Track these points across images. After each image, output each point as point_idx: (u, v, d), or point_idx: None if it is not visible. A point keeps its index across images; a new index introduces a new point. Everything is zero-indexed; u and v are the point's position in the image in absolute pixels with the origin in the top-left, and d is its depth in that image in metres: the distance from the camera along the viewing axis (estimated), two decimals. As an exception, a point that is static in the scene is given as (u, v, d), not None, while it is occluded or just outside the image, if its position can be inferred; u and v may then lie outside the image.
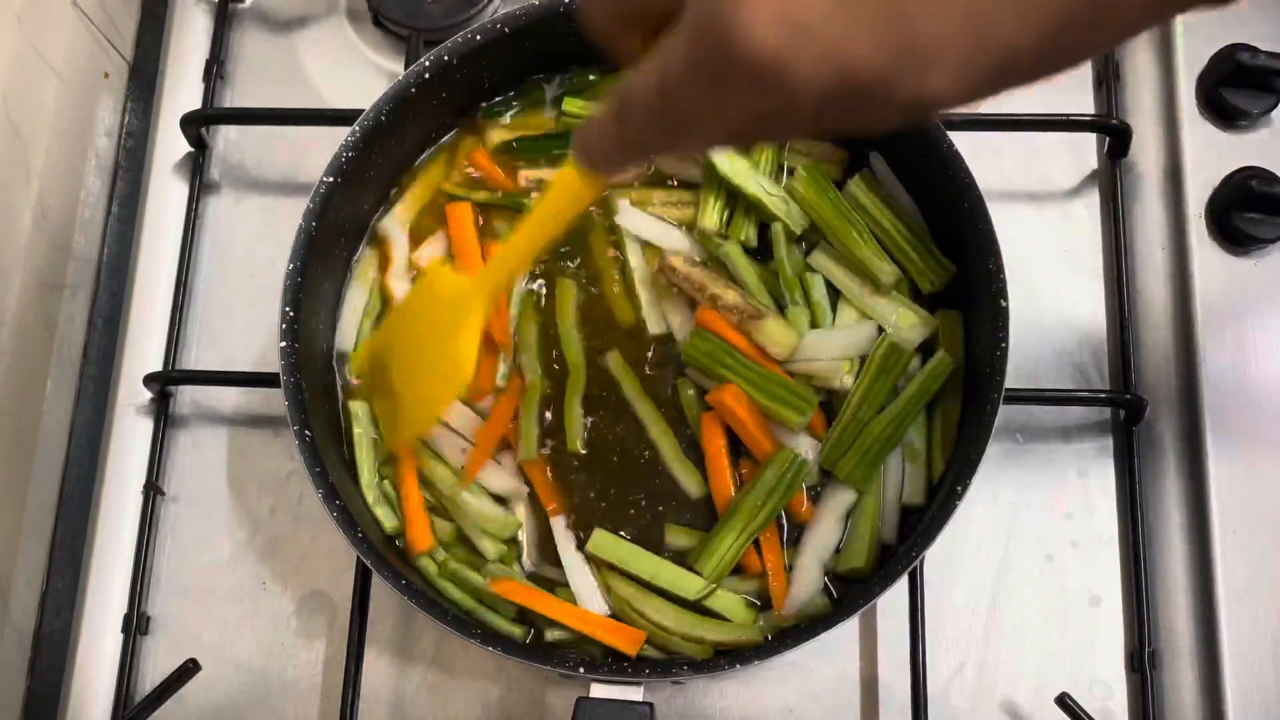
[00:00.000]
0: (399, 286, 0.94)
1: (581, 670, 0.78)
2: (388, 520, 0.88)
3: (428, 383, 0.84)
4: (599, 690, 0.78)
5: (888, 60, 0.43)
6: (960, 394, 0.89)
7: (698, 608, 0.86)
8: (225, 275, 1.03)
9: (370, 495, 0.89)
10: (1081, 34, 0.43)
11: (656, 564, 0.87)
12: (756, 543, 0.87)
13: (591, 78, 0.97)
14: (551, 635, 0.85)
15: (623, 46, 0.56)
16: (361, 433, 0.90)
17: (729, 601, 0.86)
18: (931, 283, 0.91)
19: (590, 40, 0.56)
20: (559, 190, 0.70)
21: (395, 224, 0.96)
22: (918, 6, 0.42)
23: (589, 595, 0.87)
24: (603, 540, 0.87)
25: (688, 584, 0.86)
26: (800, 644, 0.78)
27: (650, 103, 0.51)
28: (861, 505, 0.87)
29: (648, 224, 0.95)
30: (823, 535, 0.87)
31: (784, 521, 0.89)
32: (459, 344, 0.80)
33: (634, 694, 0.78)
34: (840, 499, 0.88)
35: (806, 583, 0.86)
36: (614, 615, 0.87)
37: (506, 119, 0.98)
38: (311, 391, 0.86)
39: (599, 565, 0.88)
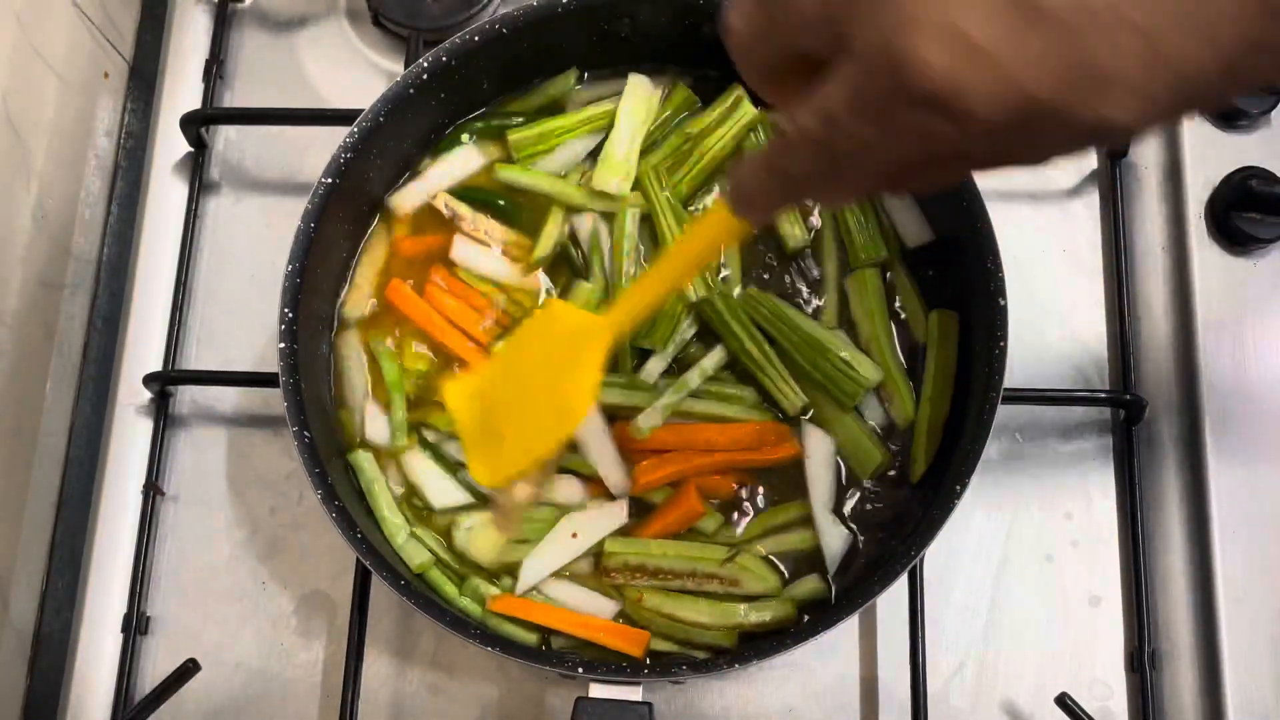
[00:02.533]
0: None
1: (580, 671, 0.78)
2: (418, 556, 0.87)
3: (537, 420, 0.80)
4: (598, 690, 0.78)
5: (1066, 85, 0.42)
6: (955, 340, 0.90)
7: (728, 596, 0.86)
8: (225, 275, 1.03)
9: (400, 537, 0.88)
10: (1269, 57, 0.42)
11: (677, 545, 0.87)
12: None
13: (505, 119, 0.98)
14: (558, 643, 0.85)
15: (776, 92, 0.55)
16: (373, 479, 0.89)
17: (753, 564, 0.86)
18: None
19: (742, 74, 0.55)
20: (705, 230, 0.67)
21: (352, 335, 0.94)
22: (1098, 31, 0.41)
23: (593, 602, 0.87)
24: (617, 543, 0.87)
25: (712, 552, 0.87)
26: (800, 644, 0.78)
27: (812, 142, 0.50)
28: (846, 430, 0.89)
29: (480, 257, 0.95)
30: (821, 486, 0.89)
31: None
32: (577, 382, 0.77)
33: (633, 694, 0.78)
34: (821, 446, 0.89)
35: (833, 535, 0.88)
36: (623, 616, 0.87)
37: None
38: (311, 391, 0.86)
39: (617, 575, 0.88)
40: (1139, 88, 0.42)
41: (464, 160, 0.97)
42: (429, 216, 0.96)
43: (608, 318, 0.76)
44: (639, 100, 0.96)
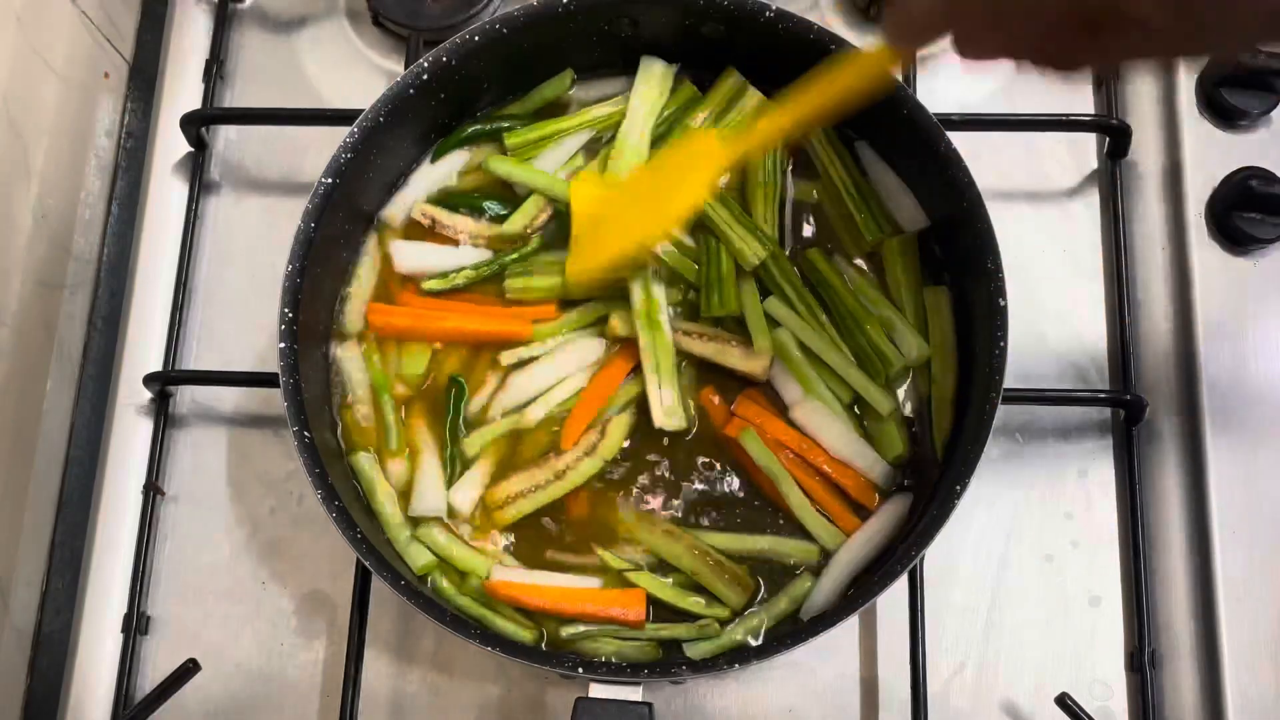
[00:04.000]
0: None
1: (580, 670, 0.78)
2: (420, 557, 0.87)
3: (637, 215, 0.84)
4: (598, 690, 0.78)
5: None
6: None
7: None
8: (225, 275, 1.03)
9: (403, 539, 0.88)
10: None
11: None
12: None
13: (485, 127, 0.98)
14: (566, 631, 0.85)
15: None
16: (373, 479, 0.89)
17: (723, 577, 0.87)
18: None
19: None
20: (858, 64, 0.67)
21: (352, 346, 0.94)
22: None
23: None
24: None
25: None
26: (800, 644, 0.78)
27: None
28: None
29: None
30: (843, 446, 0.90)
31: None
32: (684, 187, 0.81)
33: (633, 694, 0.78)
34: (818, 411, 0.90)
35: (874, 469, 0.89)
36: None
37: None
38: (311, 391, 0.86)
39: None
40: None
41: (446, 167, 0.97)
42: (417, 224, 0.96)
43: (736, 139, 0.79)
44: (652, 84, 0.96)
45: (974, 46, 0.56)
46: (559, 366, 0.92)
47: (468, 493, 0.89)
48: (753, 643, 0.85)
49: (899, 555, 0.82)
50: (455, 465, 0.90)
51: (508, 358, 0.91)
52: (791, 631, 0.83)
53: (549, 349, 0.92)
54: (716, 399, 0.91)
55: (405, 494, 0.90)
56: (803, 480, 0.88)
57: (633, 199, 0.87)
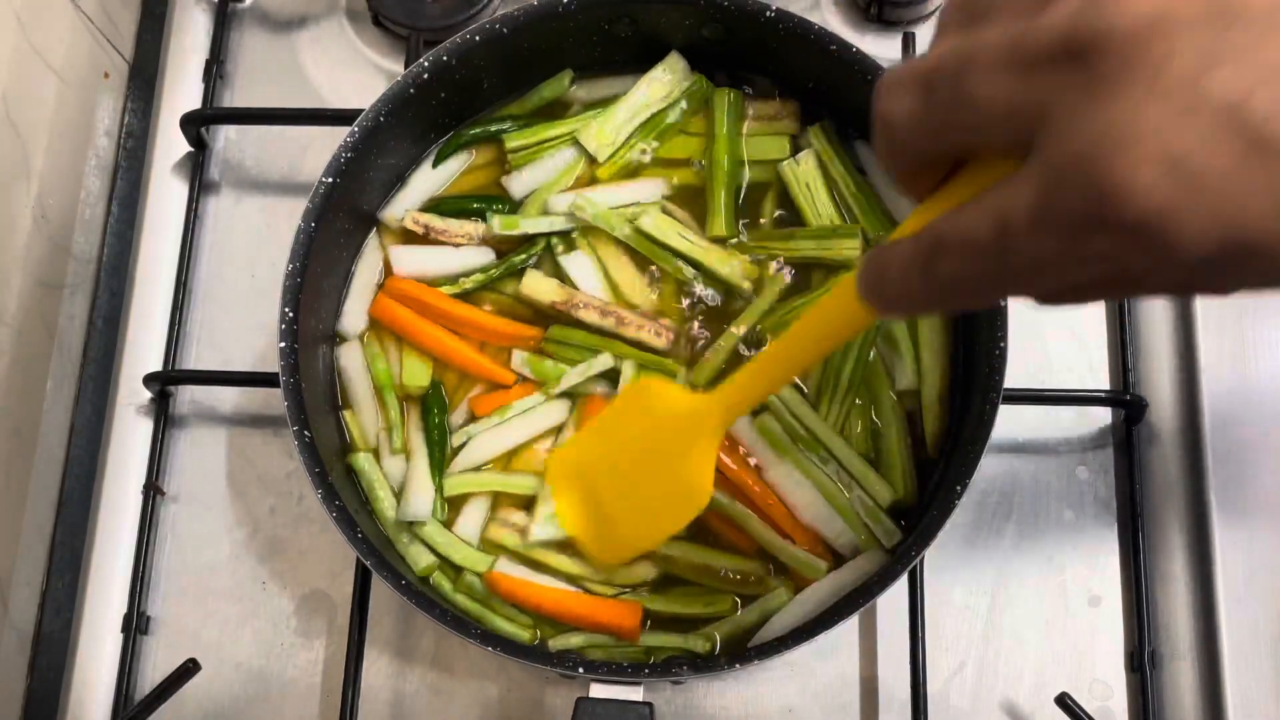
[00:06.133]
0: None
1: (581, 670, 0.78)
2: (422, 558, 0.87)
3: (653, 505, 0.80)
4: (598, 690, 0.78)
5: None
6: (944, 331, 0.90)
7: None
8: (225, 275, 1.03)
9: (402, 537, 0.87)
10: None
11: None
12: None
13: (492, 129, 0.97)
14: (556, 644, 0.85)
15: (920, 184, 0.51)
16: (373, 479, 0.89)
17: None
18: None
19: (886, 167, 0.51)
20: (829, 315, 0.63)
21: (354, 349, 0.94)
22: None
23: None
24: None
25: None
26: (800, 644, 0.78)
27: (978, 250, 0.45)
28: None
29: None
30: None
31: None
32: (692, 469, 0.76)
33: (633, 694, 0.78)
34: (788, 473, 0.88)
35: (839, 538, 0.88)
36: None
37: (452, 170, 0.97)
38: (311, 391, 0.86)
39: None
40: None
41: (445, 169, 0.97)
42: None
43: (715, 400, 0.74)
44: (667, 79, 0.96)
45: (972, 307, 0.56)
46: (522, 431, 0.90)
47: (473, 517, 0.89)
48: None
49: (899, 555, 0.82)
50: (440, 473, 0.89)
51: (459, 437, 0.90)
52: (791, 632, 0.83)
53: (511, 416, 0.90)
54: None
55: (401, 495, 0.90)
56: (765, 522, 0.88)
57: (622, 477, 0.82)
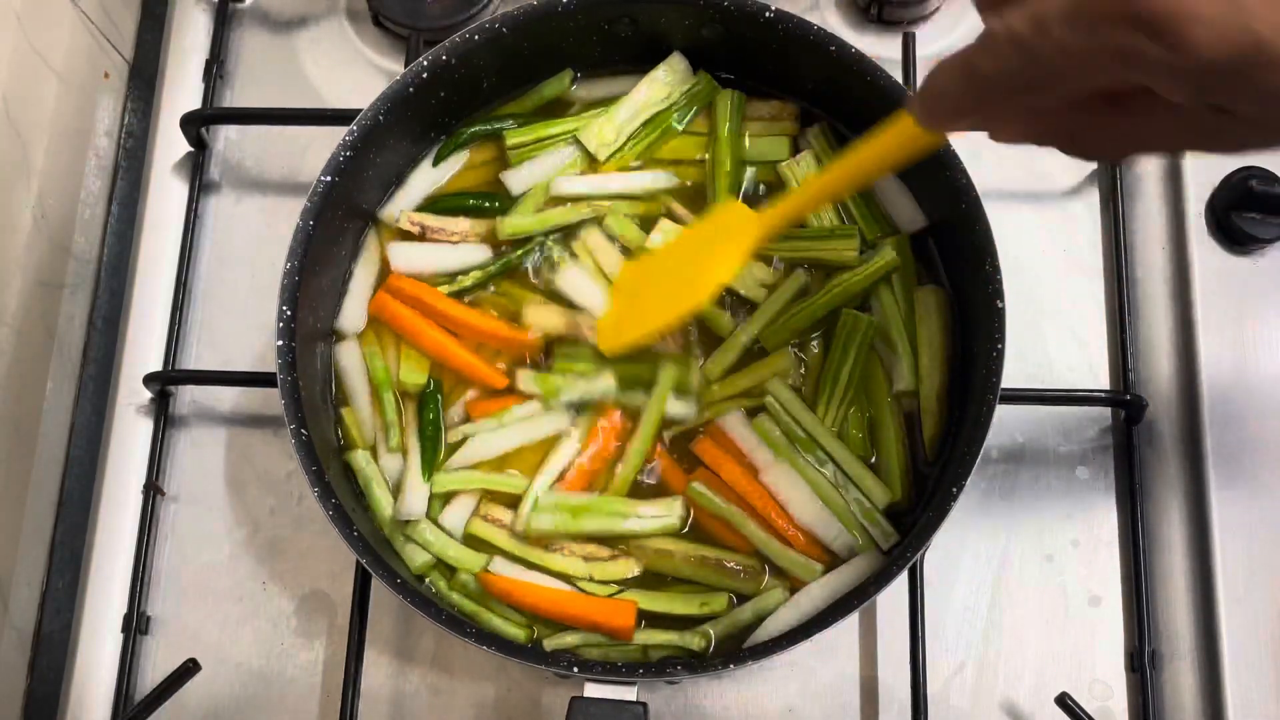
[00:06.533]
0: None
1: (575, 670, 0.78)
2: (418, 557, 0.87)
3: (669, 290, 0.84)
4: (593, 690, 0.78)
5: None
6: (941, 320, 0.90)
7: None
8: (225, 275, 1.03)
9: (399, 538, 0.88)
10: None
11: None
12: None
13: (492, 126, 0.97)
14: (550, 644, 0.85)
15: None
16: (370, 477, 0.89)
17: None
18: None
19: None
20: (888, 139, 0.67)
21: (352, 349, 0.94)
22: None
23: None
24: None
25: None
26: (795, 645, 0.78)
27: (1016, 43, 0.48)
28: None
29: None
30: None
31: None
32: (714, 261, 0.81)
33: (628, 694, 0.78)
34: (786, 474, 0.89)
35: (836, 540, 0.88)
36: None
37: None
38: (309, 390, 0.86)
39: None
40: None
41: (445, 168, 0.97)
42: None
43: (766, 213, 0.79)
44: (668, 79, 0.96)
45: (1002, 132, 0.59)
46: (521, 435, 0.90)
47: (459, 513, 0.89)
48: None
49: (899, 555, 0.82)
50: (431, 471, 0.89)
51: (454, 435, 0.90)
52: (790, 632, 0.83)
53: (509, 422, 0.90)
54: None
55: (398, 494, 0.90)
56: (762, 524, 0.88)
57: (664, 268, 0.88)
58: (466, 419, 0.91)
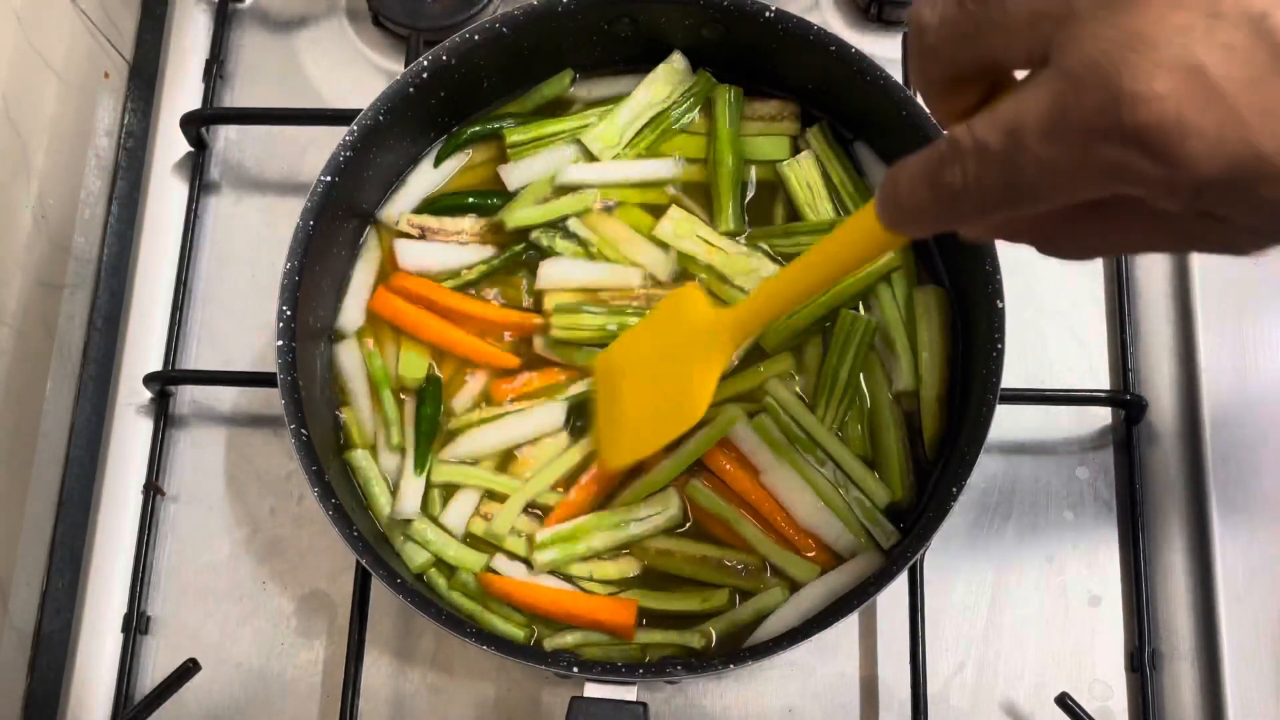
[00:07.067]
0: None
1: (575, 670, 0.78)
2: (418, 556, 0.87)
3: (656, 410, 0.82)
4: (593, 690, 0.78)
5: None
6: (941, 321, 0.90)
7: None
8: (225, 275, 1.03)
9: (399, 537, 0.88)
10: None
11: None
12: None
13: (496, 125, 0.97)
14: (550, 644, 0.85)
15: (950, 104, 0.50)
16: (369, 477, 0.89)
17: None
18: None
19: (919, 83, 0.51)
20: (849, 236, 0.62)
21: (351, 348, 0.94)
22: None
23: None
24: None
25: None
26: (795, 645, 0.78)
27: (987, 157, 0.44)
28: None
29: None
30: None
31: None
32: (695, 382, 0.78)
33: (628, 694, 0.78)
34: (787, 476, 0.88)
35: (839, 540, 0.87)
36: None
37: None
38: (309, 389, 0.86)
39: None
40: None
41: (445, 169, 0.97)
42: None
43: (732, 319, 0.76)
44: (668, 79, 0.96)
45: (972, 232, 0.55)
46: (517, 430, 0.90)
47: (461, 510, 0.89)
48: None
49: (898, 555, 0.82)
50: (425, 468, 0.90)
51: (456, 423, 0.91)
52: (790, 632, 0.83)
53: (508, 411, 0.91)
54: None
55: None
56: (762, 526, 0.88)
57: (639, 381, 0.85)
58: (476, 405, 0.91)
